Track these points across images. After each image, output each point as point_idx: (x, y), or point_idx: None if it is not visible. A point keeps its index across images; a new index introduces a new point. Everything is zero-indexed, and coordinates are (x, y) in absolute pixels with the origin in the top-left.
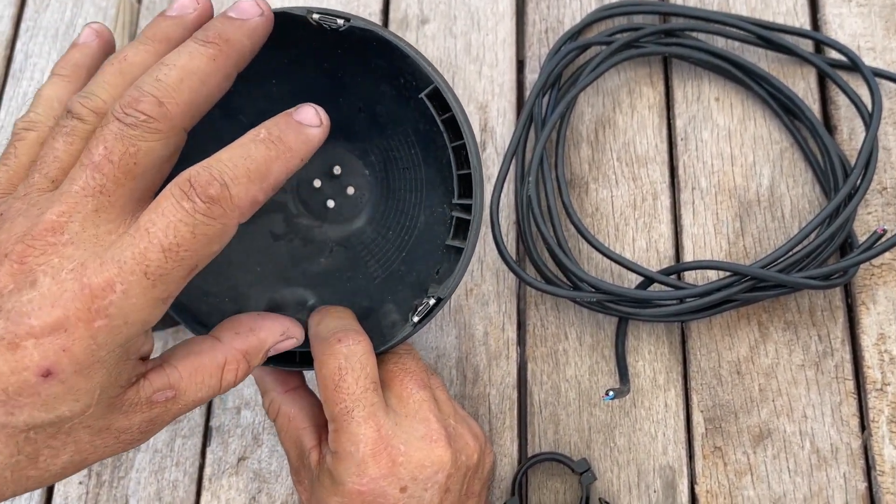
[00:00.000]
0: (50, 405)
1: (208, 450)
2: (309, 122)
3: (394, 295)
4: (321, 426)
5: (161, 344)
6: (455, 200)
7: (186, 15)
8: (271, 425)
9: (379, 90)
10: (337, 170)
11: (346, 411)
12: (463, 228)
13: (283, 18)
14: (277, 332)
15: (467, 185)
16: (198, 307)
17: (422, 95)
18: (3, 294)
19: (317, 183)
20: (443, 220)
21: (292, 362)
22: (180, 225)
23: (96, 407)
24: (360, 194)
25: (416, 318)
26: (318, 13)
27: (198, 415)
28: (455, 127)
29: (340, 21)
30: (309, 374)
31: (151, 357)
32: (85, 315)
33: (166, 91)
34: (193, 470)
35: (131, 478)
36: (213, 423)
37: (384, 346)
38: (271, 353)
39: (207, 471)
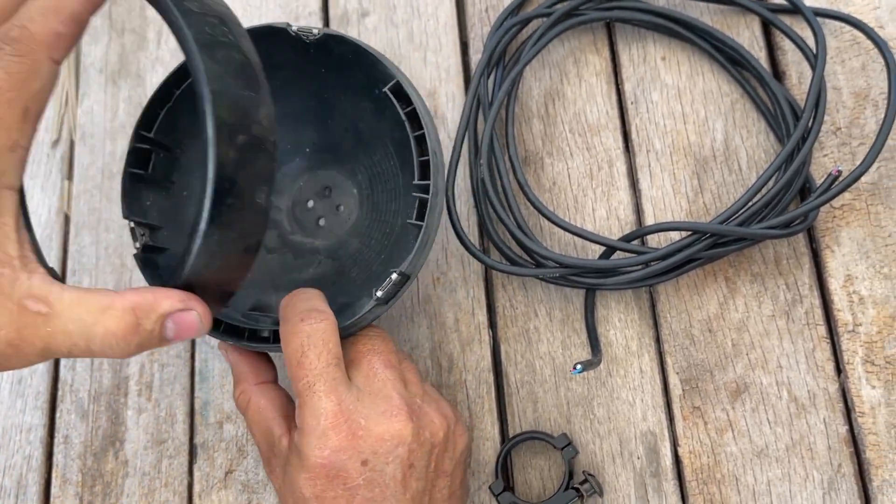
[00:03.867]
0: None
1: (195, 467)
2: None
3: (370, 290)
4: (291, 417)
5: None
6: (416, 181)
7: None
8: None
9: (360, 107)
10: (328, 191)
11: (308, 386)
12: (423, 208)
13: (267, 30)
14: (176, 299)
15: (426, 170)
16: None
17: (385, 89)
18: None
19: (310, 203)
20: (401, 223)
21: (266, 341)
22: None
23: None
24: (349, 211)
25: (379, 293)
26: (296, 26)
27: (181, 433)
28: (416, 118)
29: (315, 31)
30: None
31: None
32: None
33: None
34: (183, 488)
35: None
36: (197, 440)
37: (350, 322)
38: (173, 328)
39: (196, 488)
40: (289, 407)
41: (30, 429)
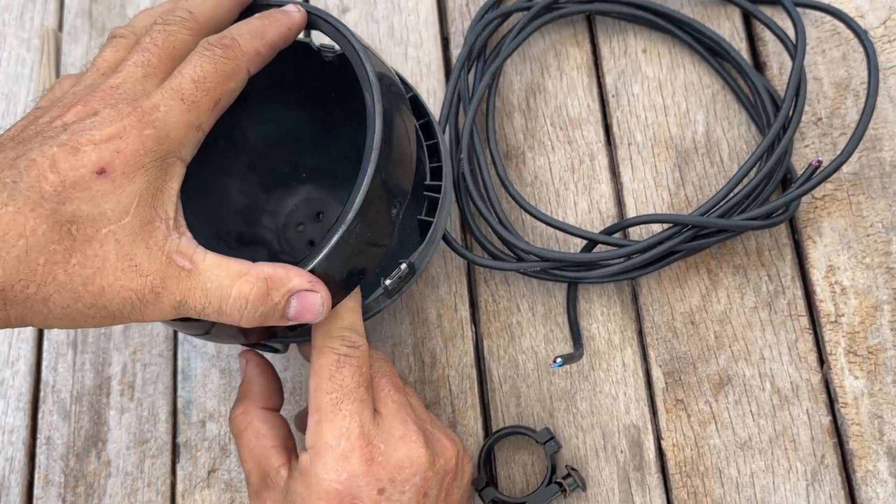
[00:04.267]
0: (97, 201)
1: (178, 466)
2: (290, 10)
3: None
4: (291, 449)
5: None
6: (427, 182)
7: None
8: None
9: (362, 132)
10: (321, 215)
11: (335, 402)
12: (432, 206)
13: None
14: (305, 279)
15: (437, 175)
16: None
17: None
18: (69, 122)
19: (301, 227)
20: (407, 235)
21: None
22: (205, 63)
23: (131, 219)
24: None
25: (387, 282)
26: (318, 42)
27: (164, 432)
28: (429, 129)
29: (337, 48)
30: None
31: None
32: (137, 125)
33: (193, 5)
34: (165, 488)
35: None
36: (180, 439)
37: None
38: (296, 307)
39: (179, 487)
40: (289, 439)
41: (12, 430)
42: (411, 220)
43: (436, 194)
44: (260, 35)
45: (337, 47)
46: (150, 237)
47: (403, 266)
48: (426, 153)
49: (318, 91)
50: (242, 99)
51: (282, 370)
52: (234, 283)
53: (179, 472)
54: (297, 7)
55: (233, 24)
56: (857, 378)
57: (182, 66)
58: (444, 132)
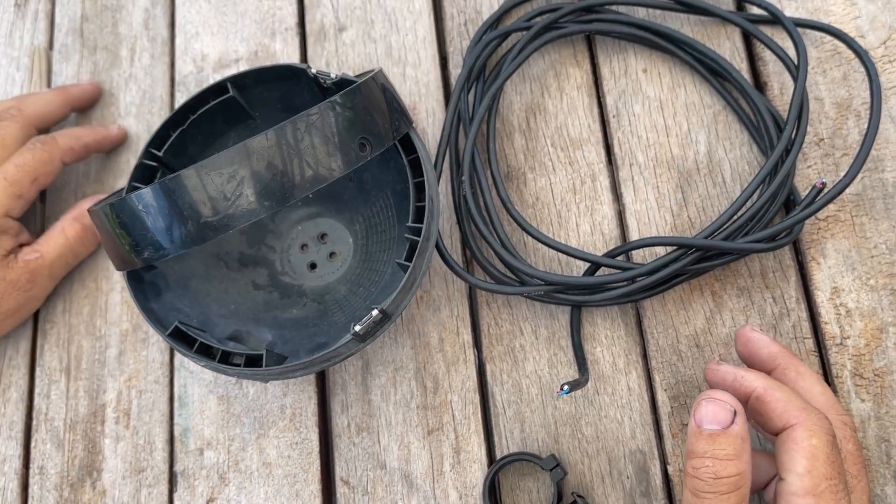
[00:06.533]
0: None
1: (175, 496)
2: (111, 128)
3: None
4: None
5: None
6: (409, 224)
7: None
8: (236, 463)
9: (369, 160)
10: (325, 237)
11: (834, 490)
12: (412, 249)
13: (286, 71)
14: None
15: (422, 215)
16: (164, 316)
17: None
18: None
19: (305, 248)
20: (394, 275)
21: (237, 366)
22: (26, 152)
23: None
24: (342, 259)
25: (357, 328)
26: (315, 69)
27: (160, 461)
28: (418, 166)
29: (333, 75)
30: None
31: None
32: None
33: (25, 103)
34: None
35: None
36: (177, 467)
37: (321, 355)
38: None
39: None
40: None
41: (4, 460)
42: (398, 259)
43: (416, 237)
44: (76, 137)
45: (333, 74)
46: (7, 263)
47: (375, 312)
48: (413, 191)
49: None
50: (250, 122)
51: (281, 396)
52: (62, 233)
53: (177, 502)
54: (118, 126)
55: (64, 117)
56: (863, 401)
57: (10, 156)
58: (444, 154)
